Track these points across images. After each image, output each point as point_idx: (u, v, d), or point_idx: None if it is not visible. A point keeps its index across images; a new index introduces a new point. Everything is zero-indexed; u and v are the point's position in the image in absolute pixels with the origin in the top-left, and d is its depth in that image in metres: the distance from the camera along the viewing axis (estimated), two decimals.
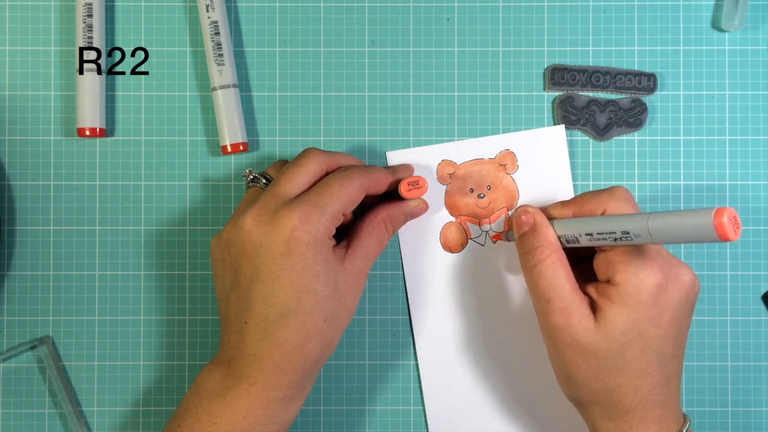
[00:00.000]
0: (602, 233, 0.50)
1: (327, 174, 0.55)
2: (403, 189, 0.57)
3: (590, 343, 0.50)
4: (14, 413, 0.60)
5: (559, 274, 0.52)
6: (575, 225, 0.52)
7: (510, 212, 0.60)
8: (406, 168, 0.59)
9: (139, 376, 0.61)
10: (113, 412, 0.60)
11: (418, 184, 0.57)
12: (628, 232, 0.48)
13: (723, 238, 0.43)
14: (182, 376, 0.61)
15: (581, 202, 0.54)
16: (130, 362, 0.61)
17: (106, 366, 0.60)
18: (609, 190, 0.53)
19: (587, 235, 0.51)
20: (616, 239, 0.49)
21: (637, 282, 0.50)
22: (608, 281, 0.51)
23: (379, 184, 0.56)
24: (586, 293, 0.52)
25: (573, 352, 0.51)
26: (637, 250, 0.50)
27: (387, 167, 0.58)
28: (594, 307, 0.51)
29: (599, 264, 0.52)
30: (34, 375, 0.60)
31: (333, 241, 0.53)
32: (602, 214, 0.52)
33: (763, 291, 0.61)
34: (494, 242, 0.60)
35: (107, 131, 0.60)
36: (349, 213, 0.55)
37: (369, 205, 0.57)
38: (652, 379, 0.51)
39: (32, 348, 0.60)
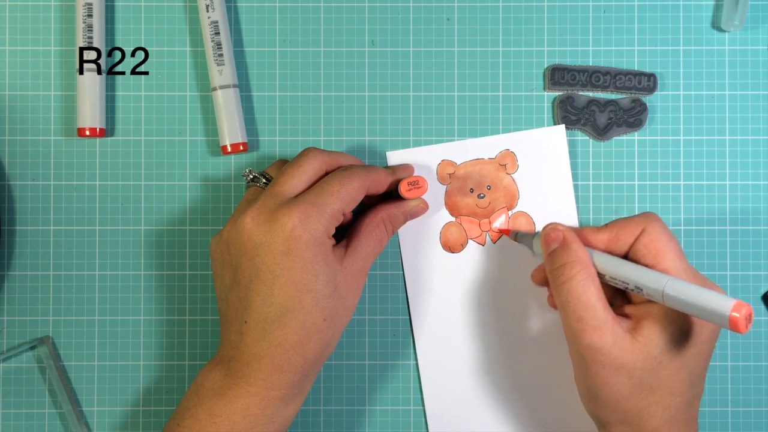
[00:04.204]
0: (616, 279, 0.51)
1: (327, 173, 0.55)
2: (403, 189, 0.57)
3: (627, 362, 0.49)
4: (14, 413, 0.60)
5: (590, 291, 0.51)
6: (601, 261, 0.52)
7: (510, 212, 0.60)
8: (406, 168, 0.59)
9: (139, 376, 0.61)
10: (113, 412, 0.60)
11: (418, 183, 0.57)
12: (641, 289, 0.50)
13: (733, 330, 0.45)
14: (182, 376, 0.61)
15: (616, 229, 0.53)
16: (130, 362, 0.60)
17: (106, 366, 0.60)
18: (644, 220, 0.52)
19: (611, 278, 0.51)
20: (629, 289, 0.50)
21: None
22: (649, 300, 0.51)
23: (379, 183, 0.56)
24: (622, 313, 0.52)
25: (607, 371, 0.50)
26: (681, 272, 0.51)
27: (387, 167, 0.58)
28: (628, 325, 0.51)
29: None
30: (34, 375, 0.60)
31: (333, 241, 0.53)
32: (635, 243, 0.52)
33: (763, 291, 0.61)
34: (494, 242, 0.60)
35: (107, 131, 0.60)
36: (349, 212, 0.55)
37: (369, 204, 0.57)
38: (681, 398, 0.50)
39: (32, 348, 0.60)
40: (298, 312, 0.51)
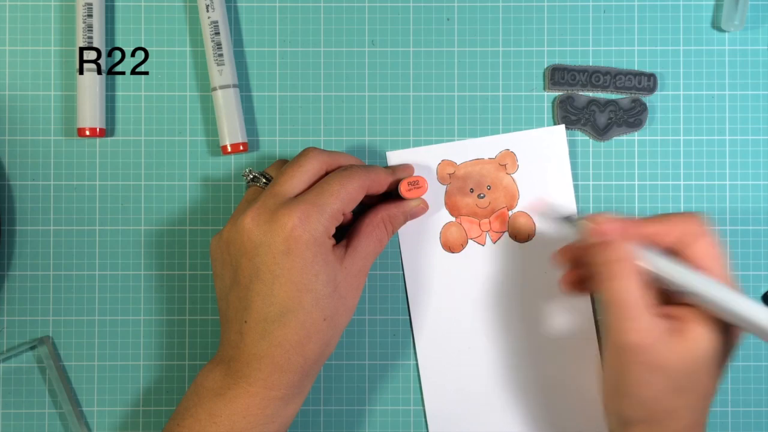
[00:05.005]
0: (662, 278, 0.50)
1: (327, 173, 0.55)
2: (403, 189, 0.57)
3: (667, 363, 0.49)
4: (14, 413, 0.60)
5: (634, 291, 0.49)
6: (650, 259, 0.51)
7: (510, 212, 0.60)
8: (406, 168, 0.59)
9: (139, 376, 0.61)
10: (113, 412, 0.60)
11: (418, 183, 0.57)
12: (689, 293, 0.49)
13: None
14: (182, 376, 0.61)
15: (665, 226, 0.51)
16: (130, 362, 0.60)
17: (106, 366, 0.60)
18: (698, 222, 0.51)
19: (657, 277, 0.51)
20: (672, 289, 0.50)
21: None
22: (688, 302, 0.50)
23: (379, 183, 0.56)
24: (660, 312, 0.51)
25: (644, 371, 0.49)
26: (726, 281, 0.50)
27: (387, 167, 0.58)
28: (669, 325, 0.50)
29: None
30: (34, 375, 0.60)
31: (332, 241, 0.53)
32: (685, 245, 0.51)
33: (763, 291, 0.61)
34: (494, 242, 0.60)
35: (107, 131, 0.60)
36: (349, 212, 0.55)
37: (369, 204, 0.57)
38: (706, 401, 0.51)
39: (32, 348, 0.60)
40: (298, 312, 0.51)
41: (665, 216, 0.52)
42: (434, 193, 0.60)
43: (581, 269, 0.55)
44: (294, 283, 0.51)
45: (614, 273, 0.50)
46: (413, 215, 0.58)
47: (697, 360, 0.49)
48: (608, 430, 0.54)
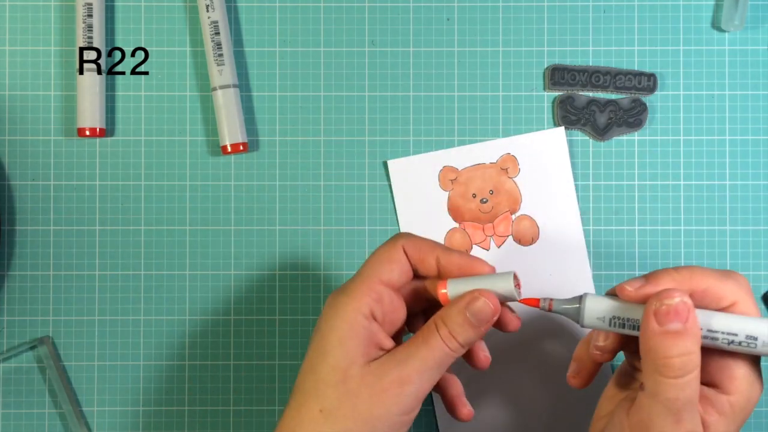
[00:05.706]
0: (717, 332, 0.45)
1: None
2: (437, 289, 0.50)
3: None
4: (14, 413, 0.60)
5: (698, 388, 0.44)
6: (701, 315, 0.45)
7: (513, 216, 0.60)
8: (474, 261, 0.49)
9: (139, 376, 0.61)
10: (113, 412, 0.60)
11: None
12: (755, 338, 0.44)
13: None
14: (182, 376, 0.61)
15: (696, 281, 0.46)
16: (130, 362, 0.60)
17: (106, 366, 0.60)
18: (737, 289, 0.46)
19: (709, 332, 0.45)
20: (731, 342, 0.45)
21: (750, 395, 0.46)
22: (713, 385, 0.46)
23: (425, 259, 0.49)
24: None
25: None
26: (751, 356, 0.46)
27: (462, 254, 0.50)
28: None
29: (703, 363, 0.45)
30: (34, 375, 0.60)
31: (377, 336, 0.47)
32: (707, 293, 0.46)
33: (763, 291, 0.61)
34: (499, 247, 0.60)
35: (107, 131, 0.60)
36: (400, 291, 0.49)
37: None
38: None
39: (32, 348, 0.60)
40: (296, 394, 0.47)
41: (705, 276, 0.46)
42: (437, 200, 0.60)
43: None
44: (306, 360, 0.48)
45: (692, 368, 0.43)
46: (476, 315, 0.47)
47: None
48: None
